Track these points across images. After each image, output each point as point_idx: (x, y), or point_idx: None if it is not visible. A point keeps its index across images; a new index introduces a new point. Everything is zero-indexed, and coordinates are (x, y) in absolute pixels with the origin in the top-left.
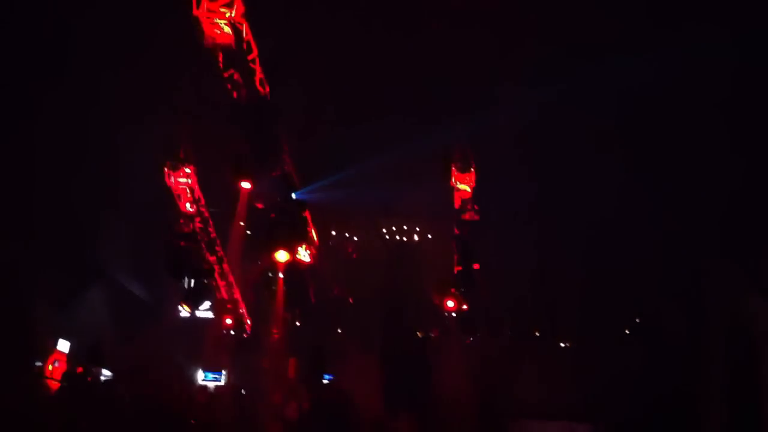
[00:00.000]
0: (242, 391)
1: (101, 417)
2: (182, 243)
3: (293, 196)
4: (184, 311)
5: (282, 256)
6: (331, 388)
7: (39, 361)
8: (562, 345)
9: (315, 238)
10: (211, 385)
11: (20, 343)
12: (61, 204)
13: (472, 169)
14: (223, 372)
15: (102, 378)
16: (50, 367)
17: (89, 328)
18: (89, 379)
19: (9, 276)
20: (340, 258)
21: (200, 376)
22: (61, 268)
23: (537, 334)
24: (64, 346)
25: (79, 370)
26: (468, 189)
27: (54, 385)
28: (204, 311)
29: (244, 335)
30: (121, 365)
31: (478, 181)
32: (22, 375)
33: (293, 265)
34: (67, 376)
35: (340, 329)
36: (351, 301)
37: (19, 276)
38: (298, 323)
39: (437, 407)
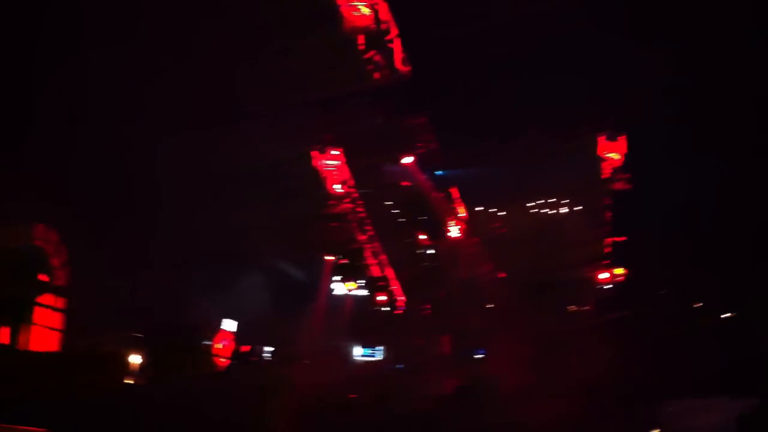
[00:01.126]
0: (399, 366)
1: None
2: (333, 224)
3: (439, 173)
4: (338, 290)
5: (430, 233)
6: (483, 364)
7: (207, 340)
8: (725, 316)
9: (462, 215)
10: (367, 358)
11: (192, 324)
12: (218, 199)
13: (622, 137)
14: (379, 348)
15: (265, 356)
16: (219, 346)
17: (251, 309)
18: (254, 357)
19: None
20: (488, 234)
21: (358, 352)
22: (222, 256)
23: (697, 305)
24: (230, 326)
25: (245, 348)
26: (618, 157)
27: (223, 362)
28: (356, 289)
29: (397, 312)
30: (281, 344)
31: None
32: (196, 353)
33: (442, 242)
34: (236, 354)
35: (490, 305)
36: (500, 276)
37: (189, 266)
38: (448, 300)
39: (588, 384)
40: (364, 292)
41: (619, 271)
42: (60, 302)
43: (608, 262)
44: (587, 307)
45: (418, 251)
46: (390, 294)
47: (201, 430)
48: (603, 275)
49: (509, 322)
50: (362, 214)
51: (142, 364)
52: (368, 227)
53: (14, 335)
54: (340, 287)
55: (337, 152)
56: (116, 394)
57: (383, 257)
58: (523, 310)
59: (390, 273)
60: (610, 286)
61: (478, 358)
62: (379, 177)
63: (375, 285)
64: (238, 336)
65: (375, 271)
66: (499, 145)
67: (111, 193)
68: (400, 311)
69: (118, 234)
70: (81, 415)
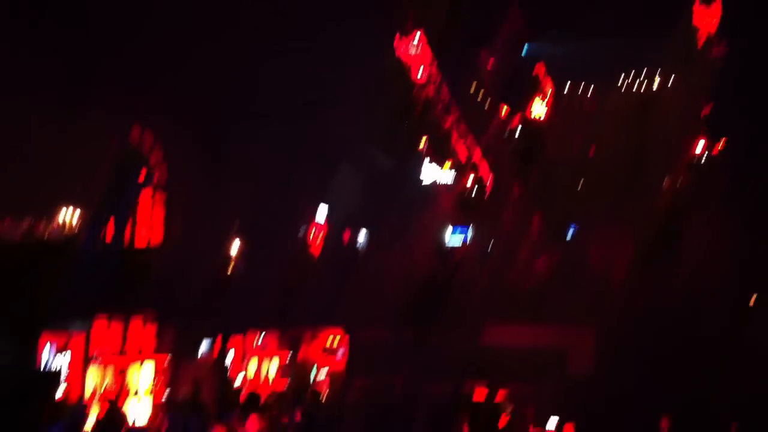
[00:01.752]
0: (488, 250)
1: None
2: (418, 109)
3: (526, 49)
4: (428, 175)
5: (518, 112)
6: (573, 245)
7: (301, 229)
8: None
9: (551, 92)
10: (457, 242)
11: (285, 209)
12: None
13: (716, 1)
14: (469, 227)
15: (359, 245)
16: (312, 235)
17: (343, 198)
18: (350, 245)
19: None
20: (579, 111)
21: (448, 231)
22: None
23: None
24: (323, 214)
25: (346, 236)
26: (713, 23)
27: (317, 251)
28: (445, 173)
29: (485, 195)
30: (373, 230)
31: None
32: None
33: (531, 121)
34: (331, 242)
35: (581, 186)
36: (591, 155)
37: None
38: (537, 181)
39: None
40: (453, 176)
41: (718, 143)
42: (159, 199)
43: (706, 134)
44: (685, 183)
45: (506, 131)
46: (478, 177)
47: None
48: (699, 143)
49: (604, 201)
50: (447, 98)
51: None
52: (454, 110)
53: (119, 233)
54: (430, 172)
55: (417, 36)
56: None
57: (471, 139)
58: (618, 188)
59: (477, 156)
60: (710, 159)
61: (573, 237)
62: (463, 57)
63: (463, 168)
64: (332, 226)
65: (463, 154)
66: (591, 16)
67: (209, 95)
68: (489, 193)
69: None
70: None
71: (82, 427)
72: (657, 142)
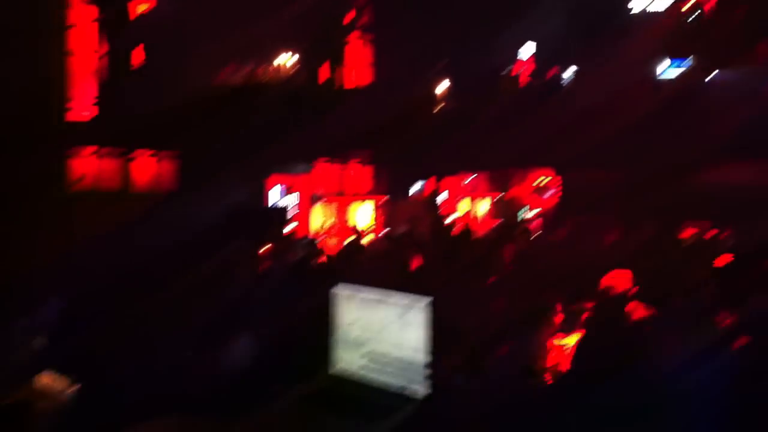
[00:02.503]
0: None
1: None
2: None
3: None
4: (635, 3)
5: None
6: None
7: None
8: None
9: None
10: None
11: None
12: None
13: None
14: (688, 58)
15: (567, 82)
16: (519, 73)
17: (549, 33)
18: (558, 81)
19: None
20: None
21: (663, 64)
22: None
23: None
24: (528, 51)
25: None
26: None
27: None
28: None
29: (705, 21)
30: (581, 65)
31: None
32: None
33: None
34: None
35: None
36: None
37: None
38: None
39: None
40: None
41: None
42: (367, 40)
43: None
44: None
45: None
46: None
47: None
48: None
49: None
50: None
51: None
52: None
53: (331, 73)
54: None
55: None
56: None
57: None
58: None
59: None
60: None
61: None
62: None
63: None
64: (538, 63)
65: None
66: None
67: None
68: (710, 17)
69: None
70: None
71: (311, 260)
72: None
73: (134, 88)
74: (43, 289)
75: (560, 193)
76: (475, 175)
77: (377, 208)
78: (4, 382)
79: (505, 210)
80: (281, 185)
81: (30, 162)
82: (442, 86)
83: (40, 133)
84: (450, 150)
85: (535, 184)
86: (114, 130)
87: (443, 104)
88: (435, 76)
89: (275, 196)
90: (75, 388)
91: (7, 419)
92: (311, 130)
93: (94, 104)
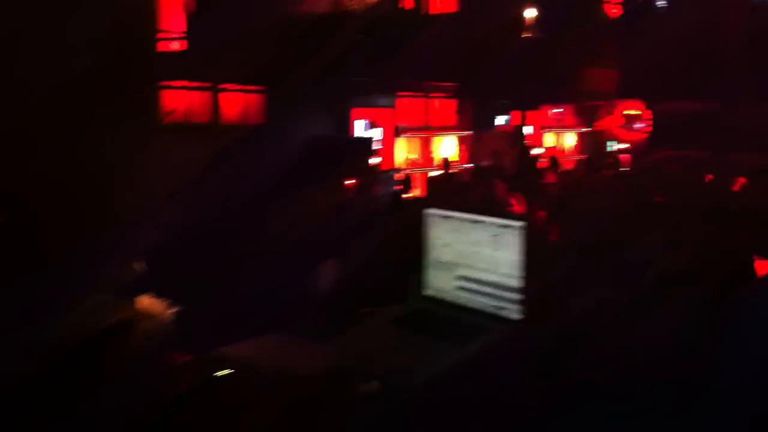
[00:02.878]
0: None
1: None
2: None
3: None
4: None
5: None
6: None
7: None
8: None
9: None
10: None
11: None
12: None
13: None
14: None
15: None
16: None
17: None
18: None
19: None
20: None
21: None
22: None
23: None
24: None
25: None
26: None
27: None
28: None
29: None
30: None
31: None
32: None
33: None
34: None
35: None
36: None
37: None
38: None
39: None
40: None
41: None
42: None
43: None
44: None
45: None
46: None
47: None
48: None
49: None
50: None
51: None
52: None
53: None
54: None
55: None
56: None
57: None
58: None
59: None
60: None
61: None
62: None
63: None
64: None
65: None
66: None
67: None
68: None
69: None
70: None
71: (400, 192)
72: None
73: (221, 19)
74: (139, 217)
75: (650, 127)
76: (562, 108)
77: (461, 141)
78: (105, 304)
79: (592, 144)
80: (365, 119)
81: (125, 91)
82: (530, 13)
83: (134, 62)
84: (536, 82)
85: (624, 116)
86: (202, 63)
87: (530, 33)
88: (522, 3)
89: (359, 130)
90: (175, 309)
91: (112, 338)
92: (396, 60)
93: (183, 37)
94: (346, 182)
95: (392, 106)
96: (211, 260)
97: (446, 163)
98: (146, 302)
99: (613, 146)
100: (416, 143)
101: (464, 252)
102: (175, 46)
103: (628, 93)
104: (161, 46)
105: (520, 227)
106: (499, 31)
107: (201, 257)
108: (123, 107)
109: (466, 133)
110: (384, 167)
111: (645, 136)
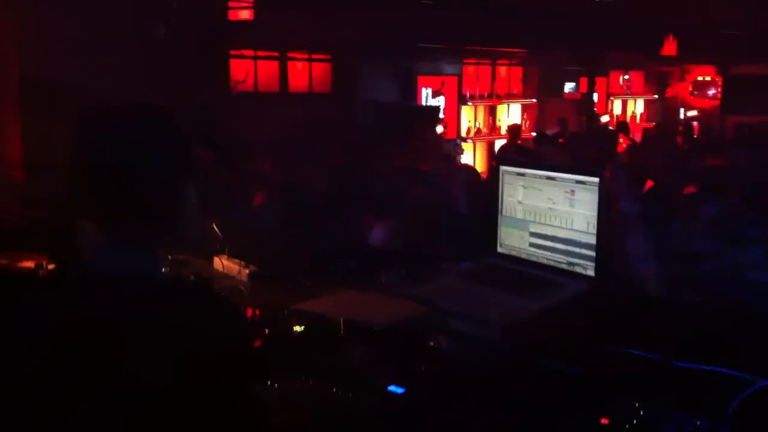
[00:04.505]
0: None
1: None
2: None
3: None
4: None
5: None
6: None
7: None
8: None
9: None
10: None
11: None
12: None
13: None
14: None
15: None
16: None
17: None
18: None
19: None
20: None
21: None
22: None
23: None
24: None
25: None
26: None
27: None
28: None
29: None
30: None
31: None
32: None
33: None
34: None
35: None
36: None
37: None
38: None
39: None
40: None
41: None
42: None
43: None
44: None
45: None
46: None
47: None
48: None
49: None
50: None
51: None
52: None
53: None
54: None
55: None
56: None
57: None
58: None
59: None
60: None
61: None
62: None
63: None
64: None
65: None
66: None
67: None
68: None
69: None
70: None
71: (459, 159)
72: None
73: None
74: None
75: (721, 94)
76: (631, 73)
77: (527, 109)
78: (184, 262)
79: (661, 111)
80: (431, 87)
81: (198, 59)
82: None
83: (206, 30)
84: (602, 47)
85: (696, 81)
86: (270, 31)
87: None
88: None
89: (424, 97)
90: (251, 269)
91: (191, 296)
92: (463, 26)
93: (251, 6)
94: (411, 148)
95: (458, 74)
96: (288, 221)
97: (514, 131)
98: (223, 262)
99: (685, 112)
100: (482, 111)
101: (538, 208)
102: (245, 15)
103: (699, 58)
104: (232, 15)
105: (598, 183)
106: None
107: (279, 218)
108: (196, 76)
109: (532, 100)
110: (449, 136)
111: (716, 102)
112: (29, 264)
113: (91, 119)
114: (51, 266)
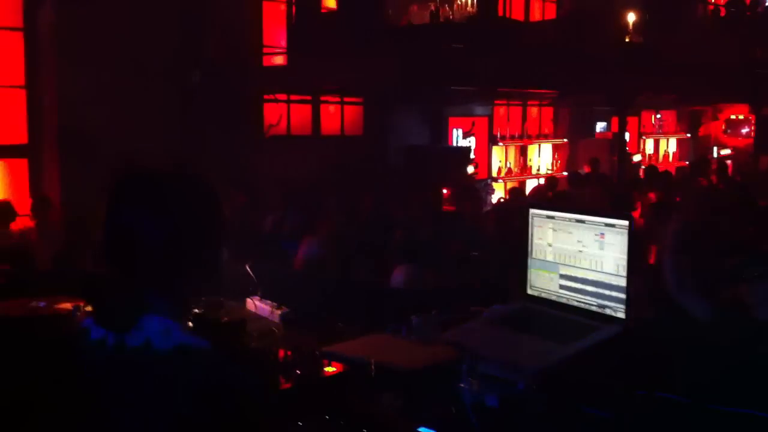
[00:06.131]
0: None
1: None
2: None
3: None
4: None
5: None
6: None
7: None
8: None
9: None
10: None
11: None
12: None
13: None
14: None
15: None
16: None
17: None
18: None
19: None
20: None
21: None
22: None
23: None
24: None
25: None
26: None
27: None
28: None
29: None
30: None
31: None
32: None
33: None
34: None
35: None
36: None
37: None
38: None
39: None
40: None
41: None
42: None
43: None
44: None
45: None
46: None
47: None
48: None
49: None
50: None
51: None
52: None
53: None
54: None
55: None
56: None
57: None
58: None
59: None
60: None
61: None
62: None
63: None
64: None
65: None
66: None
67: None
68: None
69: None
70: None
71: (490, 199)
72: None
73: (322, 33)
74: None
75: (755, 132)
76: (663, 113)
77: (558, 149)
78: (217, 304)
79: (694, 150)
80: (461, 128)
81: (233, 103)
82: (631, 18)
83: (242, 76)
84: (635, 87)
85: (729, 121)
86: (303, 76)
87: (630, 38)
88: (624, 7)
89: (455, 139)
90: (283, 310)
91: (225, 336)
92: (494, 68)
93: (285, 51)
94: (445, 191)
95: (489, 115)
96: (319, 263)
97: (552, 181)
98: (254, 303)
99: (718, 151)
100: (513, 151)
101: (568, 251)
102: (278, 60)
103: (733, 97)
104: (266, 61)
105: (627, 226)
106: (600, 35)
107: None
108: (231, 120)
109: (563, 140)
110: (480, 176)
111: (750, 141)
112: (67, 306)
113: (128, 193)
114: (88, 308)
